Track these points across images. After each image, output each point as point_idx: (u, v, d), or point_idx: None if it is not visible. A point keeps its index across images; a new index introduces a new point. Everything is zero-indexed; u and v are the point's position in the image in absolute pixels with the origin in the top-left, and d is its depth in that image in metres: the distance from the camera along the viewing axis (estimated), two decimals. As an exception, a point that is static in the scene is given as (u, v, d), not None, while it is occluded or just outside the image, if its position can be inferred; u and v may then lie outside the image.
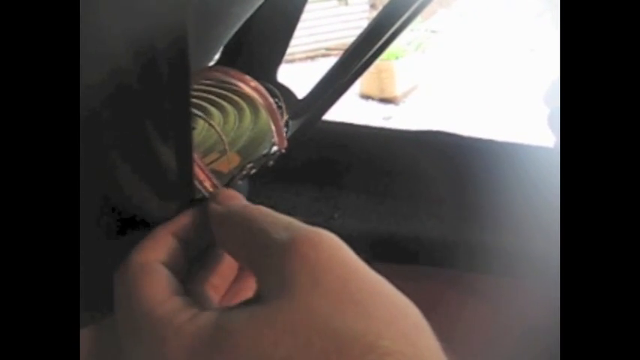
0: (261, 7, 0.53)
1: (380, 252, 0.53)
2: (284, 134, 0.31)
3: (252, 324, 0.23)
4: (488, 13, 5.81)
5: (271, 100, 0.31)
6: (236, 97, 0.40)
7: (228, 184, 0.31)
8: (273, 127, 0.31)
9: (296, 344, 0.22)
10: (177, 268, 0.28)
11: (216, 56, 0.56)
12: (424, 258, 0.53)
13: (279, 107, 0.45)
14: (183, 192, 0.29)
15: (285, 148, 0.31)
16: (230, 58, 0.55)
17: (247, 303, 0.25)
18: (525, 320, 0.53)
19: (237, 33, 0.55)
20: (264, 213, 0.28)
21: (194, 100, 0.41)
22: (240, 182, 0.31)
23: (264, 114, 0.38)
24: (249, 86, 0.30)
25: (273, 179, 0.57)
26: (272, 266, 0.25)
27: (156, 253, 0.28)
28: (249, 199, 0.53)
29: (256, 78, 0.50)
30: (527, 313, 0.52)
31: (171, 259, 0.28)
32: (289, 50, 0.57)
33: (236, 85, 0.37)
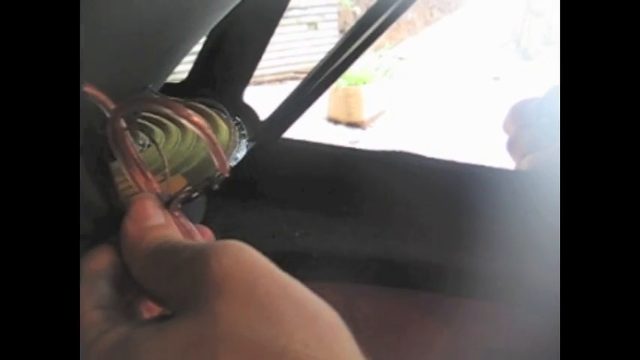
0: (233, 26, 0.54)
1: (341, 272, 0.53)
2: (225, 161, 0.30)
3: (159, 337, 0.23)
4: (455, 42, 5.94)
5: (214, 137, 0.30)
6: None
7: (167, 206, 0.31)
8: (214, 158, 0.31)
9: (202, 355, 0.22)
10: (117, 278, 0.28)
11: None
12: (385, 278, 0.53)
13: (241, 129, 0.46)
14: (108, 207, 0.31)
15: (230, 172, 0.31)
16: (201, 74, 0.56)
17: (160, 318, 0.25)
18: (484, 342, 0.53)
19: (210, 50, 0.56)
20: (172, 236, 0.28)
21: (140, 121, 0.42)
22: (179, 206, 0.31)
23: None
24: (191, 122, 0.30)
25: (234, 196, 0.57)
26: (179, 284, 0.25)
27: (96, 263, 0.28)
28: (208, 215, 0.53)
29: (222, 97, 0.51)
30: (486, 335, 0.53)
31: (112, 269, 0.28)
32: (258, 72, 0.57)
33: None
